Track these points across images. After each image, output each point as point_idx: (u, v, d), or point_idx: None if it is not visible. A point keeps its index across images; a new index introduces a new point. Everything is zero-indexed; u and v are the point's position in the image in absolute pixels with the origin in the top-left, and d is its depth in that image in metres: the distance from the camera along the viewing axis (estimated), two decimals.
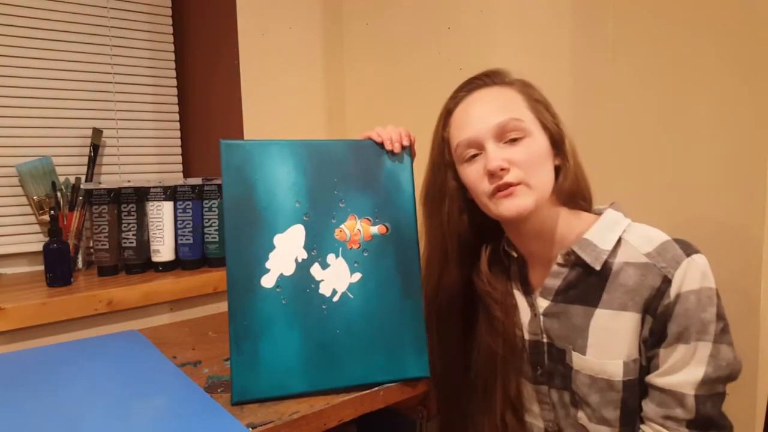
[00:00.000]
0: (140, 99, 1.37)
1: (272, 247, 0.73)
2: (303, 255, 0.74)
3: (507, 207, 0.66)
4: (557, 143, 0.70)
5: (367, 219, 0.77)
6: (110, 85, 1.32)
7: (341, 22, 1.39)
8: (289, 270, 0.73)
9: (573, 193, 0.70)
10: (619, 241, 0.67)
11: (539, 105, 0.70)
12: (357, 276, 0.75)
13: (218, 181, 1.20)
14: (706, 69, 0.79)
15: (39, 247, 1.19)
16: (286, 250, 0.73)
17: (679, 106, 0.82)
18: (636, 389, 0.64)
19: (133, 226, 1.17)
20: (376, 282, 0.76)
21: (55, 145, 1.25)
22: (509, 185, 0.66)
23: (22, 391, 0.76)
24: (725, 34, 0.77)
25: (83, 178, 1.24)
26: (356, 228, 0.76)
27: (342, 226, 0.75)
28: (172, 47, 1.41)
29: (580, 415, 0.68)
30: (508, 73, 0.73)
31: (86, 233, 1.22)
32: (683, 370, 0.61)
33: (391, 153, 0.78)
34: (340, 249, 0.75)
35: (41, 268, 1.13)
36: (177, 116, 1.44)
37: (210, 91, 1.36)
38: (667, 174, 0.83)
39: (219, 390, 0.76)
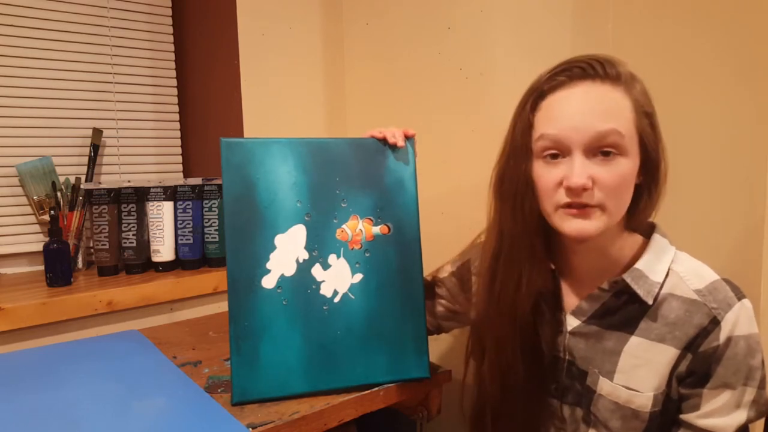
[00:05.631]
0: (140, 99, 1.37)
1: (273, 248, 0.73)
2: (304, 255, 0.74)
3: (573, 226, 0.61)
4: (650, 166, 0.63)
5: (369, 219, 0.76)
6: (110, 85, 1.32)
7: (341, 22, 1.39)
8: (290, 271, 0.73)
9: (644, 222, 0.66)
10: (667, 272, 0.64)
11: (646, 120, 0.61)
12: (358, 276, 0.75)
13: (218, 181, 1.20)
14: (706, 69, 0.79)
15: (39, 247, 1.19)
16: (287, 251, 0.73)
17: (679, 106, 0.82)
18: (659, 419, 0.64)
19: (133, 226, 1.16)
20: (377, 283, 0.76)
21: (55, 145, 1.25)
22: (585, 205, 0.60)
23: (22, 391, 0.76)
24: (725, 34, 0.77)
25: (83, 178, 1.24)
26: (358, 228, 0.76)
27: (344, 226, 0.75)
28: (172, 47, 1.41)
29: None
30: (621, 64, 0.62)
31: (86, 233, 1.21)
32: (728, 415, 0.61)
33: (394, 151, 0.78)
34: (342, 249, 0.75)
35: (41, 268, 1.13)
36: (177, 116, 1.44)
37: (210, 91, 1.36)
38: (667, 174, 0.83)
39: (219, 390, 0.76)
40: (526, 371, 0.70)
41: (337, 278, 0.75)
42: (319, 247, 0.74)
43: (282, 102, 1.31)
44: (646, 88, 0.64)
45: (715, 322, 0.60)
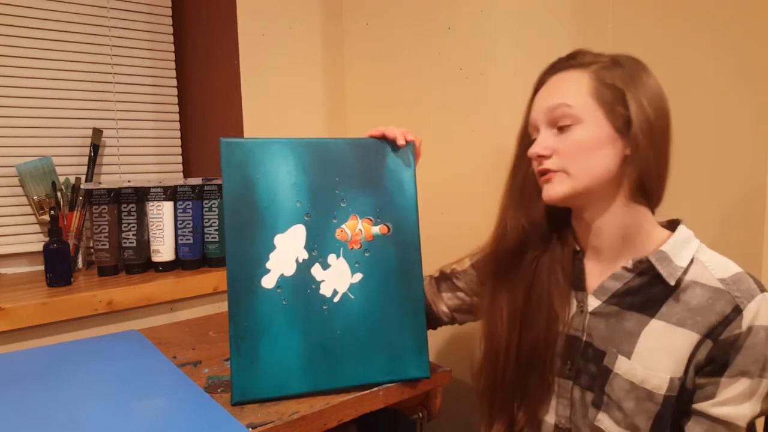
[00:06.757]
0: (140, 99, 1.37)
1: (273, 248, 0.73)
2: (304, 255, 0.74)
3: (545, 191, 0.69)
4: (623, 132, 0.66)
5: (369, 219, 0.76)
6: (110, 85, 1.32)
7: (341, 22, 1.39)
8: (290, 270, 0.73)
9: (638, 186, 0.68)
10: (691, 259, 0.66)
11: (609, 90, 0.66)
12: (358, 276, 0.75)
13: (218, 181, 1.20)
14: (705, 69, 0.79)
15: (39, 247, 1.19)
16: (287, 251, 0.73)
17: (679, 105, 0.82)
18: (672, 405, 0.64)
19: (133, 226, 1.16)
20: (377, 282, 0.76)
21: (55, 145, 1.25)
22: (547, 171, 0.68)
23: (22, 390, 0.76)
24: (725, 35, 0.77)
25: (83, 178, 1.24)
26: (358, 228, 0.76)
27: (343, 226, 0.75)
28: (172, 47, 1.41)
29: (601, 417, 0.67)
30: (589, 53, 0.70)
31: (86, 233, 1.21)
32: (742, 404, 0.61)
33: (394, 152, 0.78)
34: (341, 249, 0.75)
35: (41, 268, 1.14)
36: (177, 116, 1.44)
37: (210, 91, 1.36)
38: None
39: (219, 390, 0.76)
40: (517, 349, 0.73)
41: (336, 278, 0.75)
42: (319, 246, 0.74)
43: (282, 102, 1.31)
44: (628, 70, 0.67)
45: (737, 311, 0.61)
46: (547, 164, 0.68)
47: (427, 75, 1.18)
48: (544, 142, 0.68)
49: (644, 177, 0.67)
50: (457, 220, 1.13)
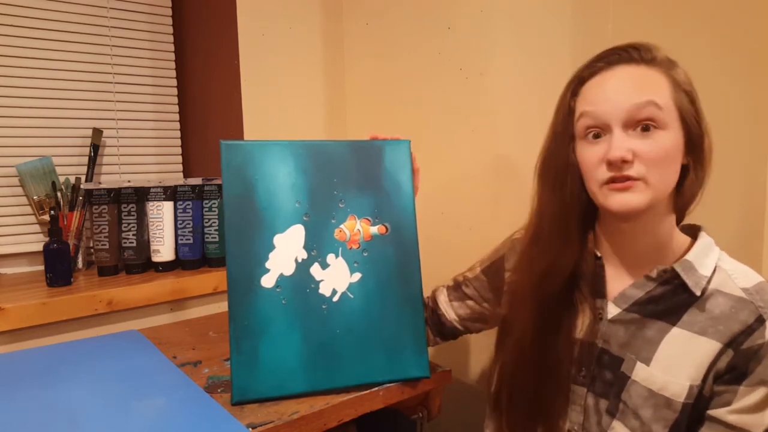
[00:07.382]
0: (140, 99, 1.37)
1: (272, 247, 0.73)
2: (303, 255, 0.74)
3: (617, 201, 0.62)
4: (693, 143, 0.63)
5: (367, 219, 0.77)
6: (110, 85, 1.32)
7: (341, 22, 1.39)
8: (289, 270, 0.73)
9: (691, 201, 0.66)
10: (714, 268, 0.65)
11: (684, 96, 0.62)
12: (357, 276, 0.76)
13: (218, 181, 1.20)
14: (705, 69, 0.79)
15: (39, 247, 1.19)
16: (286, 250, 0.73)
17: None
18: (689, 413, 0.63)
19: (133, 226, 1.17)
20: (375, 282, 0.76)
21: (55, 145, 1.25)
22: (627, 178, 0.60)
23: (23, 390, 0.76)
24: (724, 35, 0.77)
25: (83, 178, 1.24)
26: (356, 228, 0.76)
27: (342, 226, 0.76)
28: (172, 47, 1.41)
29: (615, 425, 0.66)
30: (657, 49, 0.64)
31: (86, 233, 1.22)
32: (759, 413, 0.61)
33: (391, 153, 0.78)
34: (340, 249, 0.75)
35: (41, 268, 1.14)
36: (177, 116, 1.44)
37: (210, 91, 1.36)
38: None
39: (219, 390, 0.76)
40: (540, 355, 0.70)
41: (335, 277, 0.75)
42: (318, 246, 0.74)
43: (282, 102, 1.31)
44: (686, 72, 0.65)
45: (760, 321, 0.60)
46: (630, 171, 0.60)
47: (427, 75, 1.18)
48: (626, 144, 0.60)
49: (699, 185, 0.65)
50: (457, 220, 1.13)
